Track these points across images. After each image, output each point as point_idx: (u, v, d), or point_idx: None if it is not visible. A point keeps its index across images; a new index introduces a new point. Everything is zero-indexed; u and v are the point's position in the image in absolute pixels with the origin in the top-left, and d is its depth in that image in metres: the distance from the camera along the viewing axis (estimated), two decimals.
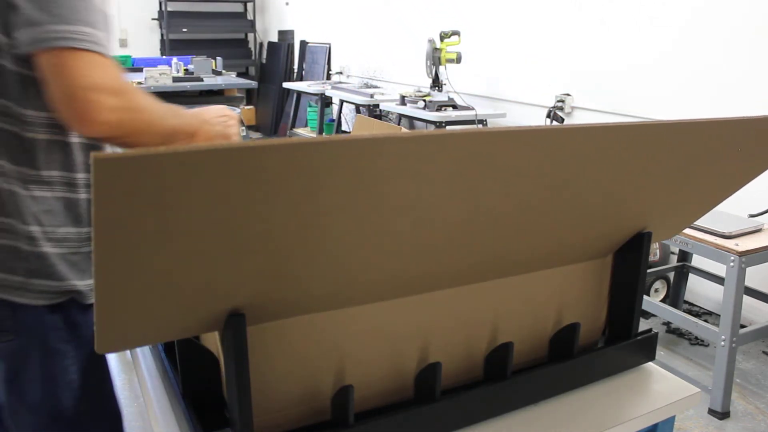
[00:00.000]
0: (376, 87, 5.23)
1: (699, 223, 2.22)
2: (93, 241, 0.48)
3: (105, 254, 0.50)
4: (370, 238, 0.64)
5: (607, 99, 3.38)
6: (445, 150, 0.58)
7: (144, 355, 1.02)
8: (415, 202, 0.62)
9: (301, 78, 6.59)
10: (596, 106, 3.46)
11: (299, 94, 5.76)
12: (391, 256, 0.69)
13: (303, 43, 6.57)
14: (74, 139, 0.95)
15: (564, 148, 0.66)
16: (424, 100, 3.96)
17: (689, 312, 2.94)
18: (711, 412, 2.18)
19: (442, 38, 3.90)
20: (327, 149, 0.51)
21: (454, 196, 0.64)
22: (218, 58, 5.21)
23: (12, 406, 1.03)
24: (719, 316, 2.52)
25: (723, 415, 2.16)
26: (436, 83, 4.00)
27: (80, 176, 0.98)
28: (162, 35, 7.35)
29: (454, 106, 3.94)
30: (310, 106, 5.71)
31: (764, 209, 2.38)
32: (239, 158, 0.48)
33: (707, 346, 2.68)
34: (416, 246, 0.69)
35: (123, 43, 7.26)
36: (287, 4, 7.30)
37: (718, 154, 0.81)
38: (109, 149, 1.02)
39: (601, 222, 0.85)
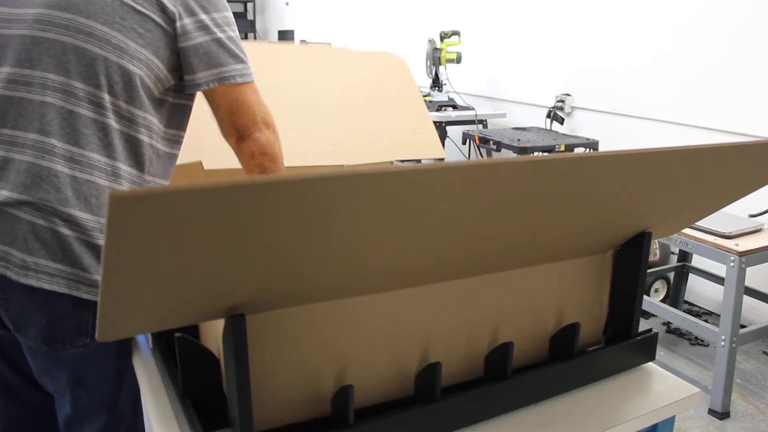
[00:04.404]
0: None
1: (699, 223, 2.22)
2: (102, 257, 0.50)
3: (113, 267, 0.51)
4: (375, 237, 0.64)
5: (607, 99, 3.38)
6: (453, 181, 0.59)
7: (144, 355, 1.02)
8: (422, 213, 0.62)
9: None
10: (596, 106, 3.46)
11: None
12: (393, 248, 0.69)
13: (303, 44, 6.57)
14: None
15: (571, 175, 0.66)
16: (424, 100, 3.96)
17: (689, 312, 2.94)
18: (711, 412, 2.18)
19: (442, 38, 3.90)
20: (332, 185, 0.52)
21: (463, 208, 0.64)
22: None
23: (78, 409, 1.05)
24: (719, 316, 2.52)
25: (723, 415, 2.16)
26: (436, 83, 4.00)
27: (166, 183, 1.09)
28: None
29: (454, 106, 3.94)
30: None
31: (764, 209, 2.38)
32: (244, 195, 0.49)
33: (707, 346, 2.68)
34: (419, 241, 0.69)
35: None
36: (287, 4, 7.30)
37: (719, 174, 0.82)
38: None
39: (602, 228, 0.85)
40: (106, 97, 0.95)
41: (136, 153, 1.00)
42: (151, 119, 1.01)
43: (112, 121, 0.96)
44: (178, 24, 0.98)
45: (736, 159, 0.78)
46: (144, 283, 0.57)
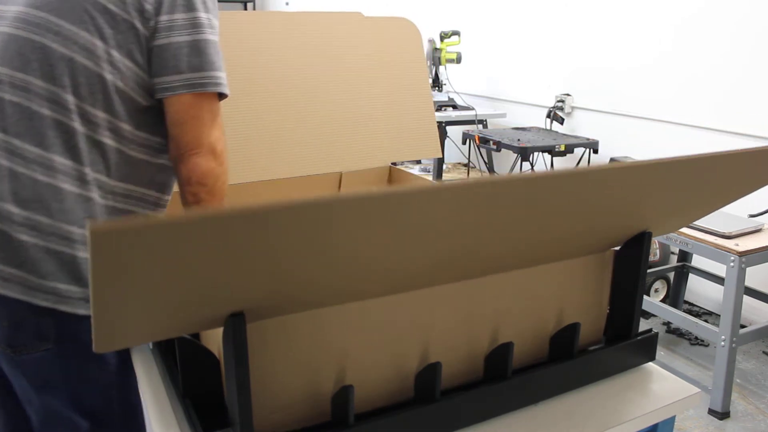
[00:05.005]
0: None
1: (699, 223, 2.22)
2: (90, 285, 0.49)
3: (102, 295, 0.50)
4: (375, 249, 0.64)
5: (607, 99, 3.38)
6: (452, 200, 0.59)
7: (144, 355, 1.02)
8: (423, 227, 0.62)
9: None
10: (596, 106, 3.46)
11: None
12: (393, 257, 0.69)
13: None
14: (162, 161, 1.04)
15: (569, 188, 0.66)
16: None
17: (689, 312, 2.94)
18: (711, 412, 2.18)
19: (442, 38, 3.90)
20: (331, 209, 0.51)
21: (463, 221, 0.64)
22: None
23: (46, 411, 1.01)
24: (719, 316, 2.52)
25: (723, 415, 2.16)
26: (436, 83, 4.00)
27: (152, 193, 1.04)
28: None
29: (454, 106, 3.94)
30: None
31: (764, 209, 2.38)
32: (236, 222, 0.48)
33: (707, 346, 2.68)
34: (420, 249, 0.69)
35: None
36: (287, 4, 7.30)
37: (718, 179, 0.82)
38: None
39: (602, 229, 0.85)
40: (71, 98, 0.91)
41: (103, 158, 0.95)
42: (120, 124, 0.95)
43: (77, 125, 0.92)
44: (152, 22, 0.92)
45: (736, 165, 0.79)
46: (136, 305, 0.56)
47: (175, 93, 0.93)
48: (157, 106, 0.98)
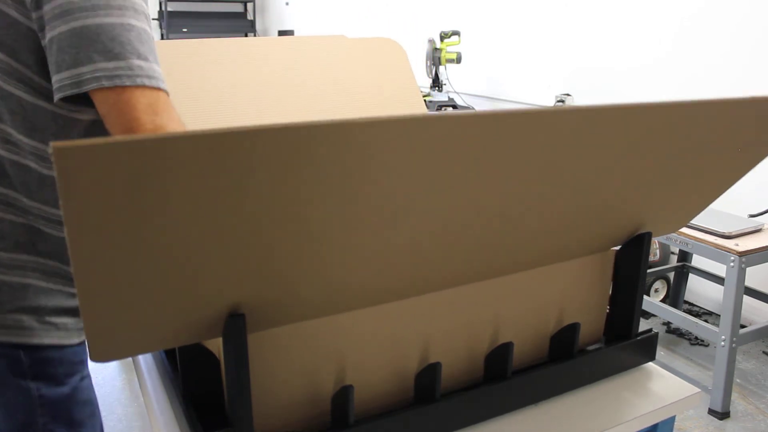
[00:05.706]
0: None
1: (699, 223, 2.22)
2: (69, 245, 0.45)
3: (83, 260, 0.49)
4: (364, 242, 0.64)
5: (607, 99, 3.37)
6: (435, 131, 0.55)
7: (144, 355, 1.02)
8: (409, 202, 0.61)
9: None
10: None
11: None
12: (386, 258, 0.69)
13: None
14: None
15: (558, 131, 0.64)
16: (424, 100, 3.96)
17: (689, 312, 2.94)
18: (711, 412, 2.18)
19: (442, 38, 3.90)
20: (309, 133, 0.48)
21: (448, 193, 0.64)
22: None
23: None
24: (719, 316, 2.52)
25: (723, 415, 2.16)
26: (436, 83, 4.00)
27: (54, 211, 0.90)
28: (162, 35, 7.36)
29: (454, 106, 3.94)
30: None
31: (764, 209, 2.38)
32: (216, 144, 0.45)
33: (707, 346, 2.68)
34: (413, 248, 0.69)
35: None
36: (287, 4, 7.30)
37: (716, 137, 0.80)
38: None
39: (601, 226, 0.85)
40: None
41: (4, 173, 0.86)
42: (18, 137, 0.84)
43: None
44: (35, 15, 0.77)
45: (733, 118, 0.77)
46: (122, 272, 0.52)
47: (82, 89, 0.75)
48: (86, 116, 0.86)
